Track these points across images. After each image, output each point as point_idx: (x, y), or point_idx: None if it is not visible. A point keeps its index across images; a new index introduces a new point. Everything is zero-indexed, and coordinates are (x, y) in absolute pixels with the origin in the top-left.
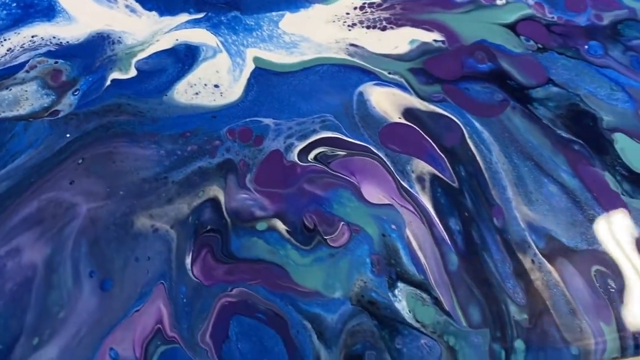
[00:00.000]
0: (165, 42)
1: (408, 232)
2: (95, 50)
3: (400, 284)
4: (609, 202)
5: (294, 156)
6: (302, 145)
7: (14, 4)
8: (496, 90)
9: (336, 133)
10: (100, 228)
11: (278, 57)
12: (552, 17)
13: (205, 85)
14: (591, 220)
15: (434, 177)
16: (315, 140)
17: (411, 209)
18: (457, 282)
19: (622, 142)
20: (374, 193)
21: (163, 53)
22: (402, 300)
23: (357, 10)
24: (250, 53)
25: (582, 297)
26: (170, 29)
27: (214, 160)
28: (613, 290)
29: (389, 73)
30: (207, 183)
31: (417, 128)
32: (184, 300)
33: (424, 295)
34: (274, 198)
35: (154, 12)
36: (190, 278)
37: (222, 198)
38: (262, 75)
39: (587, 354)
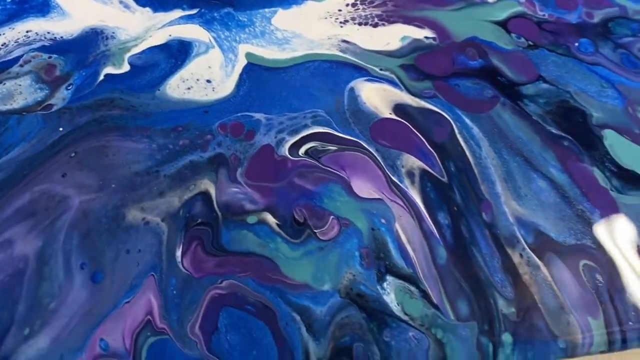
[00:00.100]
0: (158, 38)
1: (397, 226)
2: (89, 46)
3: (388, 277)
4: (598, 198)
5: (285, 151)
6: (293, 140)
7: (9, 0)
8: (486, 87)
9: (327, 128)
10: (92, 220)
11: (270, 53)
12: (543, 15)
13: (198, 80)
14: (580, 216)
15: (423, 172)
16: (307, 135)
17: (401, 203)
18: (445, 276)
19: (611, 139)
20: (364, 187)
21: (156, 48)
22: (390, 293)
23: (349, 7)
24: (243, 49)
25: (570, 291)
26: (163, 25)
27: (206, 155)
28: (601, 284)
29: (380, 69)
30: (199, 177)
31: (407, 123)
32: (174, 292)
33: (412, 289)
34: (264, 192)
35: (147, 8)
36: (181, 270)
37: (213, 192)
38: (254, 70)
39: (574, 347)
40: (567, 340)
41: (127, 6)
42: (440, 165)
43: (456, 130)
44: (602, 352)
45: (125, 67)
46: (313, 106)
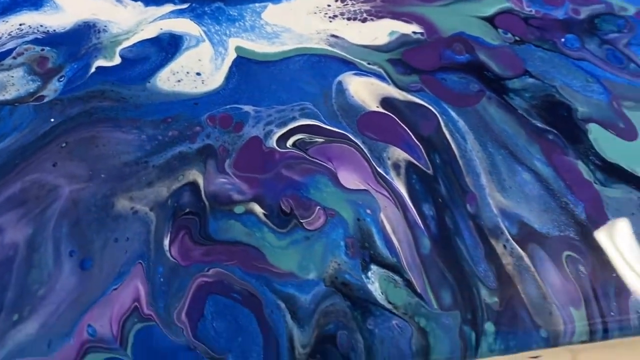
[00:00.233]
0: (149, 32)
1: (382, 217)
2: (81, 39)
3: (373, 267)
4: (582, 191)
5: (273, 142)
6: (281, 132)
7: None
8: (473, 81)
9: (315, 121)
10: (81, 209)
11: (260, 46)
12: (530, 11)
13: (188, 73)
14: (564, 208)
15: (409, 164)
16: (294, 128)
17: (386, 194)
18: (429, 266)
19: (595, 133)
20: (350, 179)
21: (147, 42)
22: (374, 282)
23: (339, 3)
24: (233, 43)
25: (553, 281)
26: (154, 19)
27: (194, 146)
28: (584, 275)
29: (368, 63)
30: (187, 167)
31: (394, 117)
32: (161, 279)
33: (397, 278)
34: (252, 183)
35: (139, 2)
36: (168, 258)
37: (201, 182)
38: (244, 64)
39: (556, 337)
40: (549, 330)
41: (119, 0)
42: (426, 158)
43: (442, 124)
44: (583, 342)
45: (117, 60)
46: (301, 99)
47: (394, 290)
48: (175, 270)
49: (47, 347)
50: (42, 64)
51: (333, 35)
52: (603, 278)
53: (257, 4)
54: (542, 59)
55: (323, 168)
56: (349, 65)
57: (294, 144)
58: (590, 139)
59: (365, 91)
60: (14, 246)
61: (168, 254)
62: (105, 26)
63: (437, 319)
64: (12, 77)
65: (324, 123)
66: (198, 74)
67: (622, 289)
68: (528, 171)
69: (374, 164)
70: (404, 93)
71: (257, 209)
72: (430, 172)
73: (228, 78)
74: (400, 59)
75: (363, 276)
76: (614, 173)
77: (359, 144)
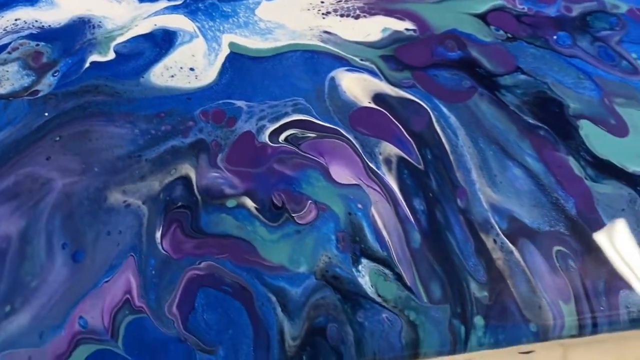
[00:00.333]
0: (143, 27)
1: (373, 211)
2: (75, 34)
3: (364, 260)
4: (573, 186)
5: (265, 137)
6: (273, 127)
7: None
8: (465, 77)
9: (307, 116)
10: (74, 202)
11: (253, 42)
12: (523, 8)
13: (181, 68)
14: (554, 203)
15: (400, 159)
16: (287, 123)
17: (377, 189)
18: (419, 260)
19: (587, 129)
20: (342, 174)
21: (141, 37)
22: (365, 276)
23: None
24: (226, 38)
25: (543, 276)
26: (149, 15)
27: (187, 140)
28: (573, 270)
29: (361, 59)
30: (180, 161)
31: (386, 112)
32: (153, 272)
33: (387, 271)
34: (244, 177)
35: None
36: (160, 251)
37: (193, 176)
38: (237, 59)
39: (545, 331)
40: (539, 324)
41: None
42: (417, 153)
43: (434, 120)
44: (572, 336)
45: (111, 55)
46: (294, 95)
47: (384, 284)
48: (166, 263)
49: (39, 339)
50: (37, 59)
51: (326, 32)
52: (593, 273)
53: (250, 0)
54: (534, 56)
55: (315, 163)
56: (341, 62)
57: (286, 139)
58: (581, 135)
59: (357, 87)
60: (7, 238)
61: (160, 247)
62: (100, 22)
63: (426, 312)
64: (7, 71)
65: (317, 118)
66: (191, 69)
67: (612, 284)
68: (519, 167)
69: (365, 159)
70: (396, 89)
71: (249, 202)
72: (421, 167)
73: (221, 73)
74: (392, 56)
75: (353, 270)
76: (605, 169)
77: (350, 139)
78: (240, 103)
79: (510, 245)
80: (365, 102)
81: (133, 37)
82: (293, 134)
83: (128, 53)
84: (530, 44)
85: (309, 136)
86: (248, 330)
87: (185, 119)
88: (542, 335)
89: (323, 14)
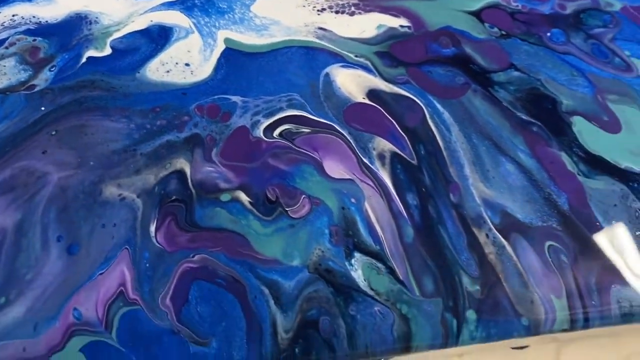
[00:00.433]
0: (140, 23)
1: (367, 206)
2: (72, 30)
3: (356, 254)
4: (565, 182)
5: (259, 132)
6: (268, 122)
7: None
8: (458, 74)
9: (302, 111)
10: (69, 196)
11: (248, 38)
12: (517, 6)
13: (177, 63)
14: (547, 199)
15: (394, 155)
16: (281, 118)
17: (371, 184)
18: (412, 254)
19: (580, 125)
20: (335, 168)
21: (137, 33)
22: (358, 269)
23: None
24: (222, 34)
25: (535, 270)
26: (145, 11)
27: (182, 135)
28: (565, 265)
29: (356, 56)
30: (175, 156)
31: (380, 108)
32: (147, 265)
33: (379, 265)
34: (238, 171)
35: None
36: (154, 244)
37: (188, 170)
38: (232, 55)
39: (537, 325)
40: (531, 318)
41: None
42: (411, 149)
43: (427, 115)
44: (564, 330)
45: (107, 51)
46: (289, 90)
47: (376, 278)
48: (160, 255)
49: (34, 330)
50: (34, 54)
51: (321, 28)
52: (585, 268)
53: None
54: (527, 53)
55: (309, 158)
56: (336, 58)
57: (280, 134)
58: (574, 132)
59: (352, 83)
60: (3, 231)
61: (154, 240)
62: (97, 18)
63: (419, 306)
64: (5, 66)
65: (311, 114)
66: (187, 64)
67: (603, 279)
68: (512, 162)
69: (359, 154)
70: (390, 85)
71: (243, 197)
72: (414, 162)
73: (217, 69)
74: (387, 52)
75: (346, 263)
76: (597, 165)
77: (345, 134)
78: (235, 98)
79: (502, 240)
80: (360, 98)
81: (129, 33)
82: (287, 129)
83: (124, 48)
84: (524, 41)
85: (303, 131)
86: (241, 323)
87: (181, 114)
88: (533, 329)
89: (318, 10)
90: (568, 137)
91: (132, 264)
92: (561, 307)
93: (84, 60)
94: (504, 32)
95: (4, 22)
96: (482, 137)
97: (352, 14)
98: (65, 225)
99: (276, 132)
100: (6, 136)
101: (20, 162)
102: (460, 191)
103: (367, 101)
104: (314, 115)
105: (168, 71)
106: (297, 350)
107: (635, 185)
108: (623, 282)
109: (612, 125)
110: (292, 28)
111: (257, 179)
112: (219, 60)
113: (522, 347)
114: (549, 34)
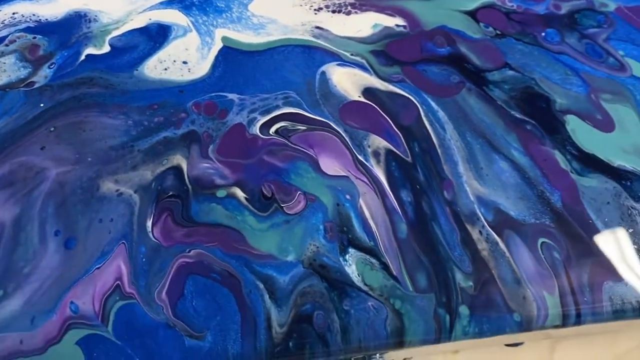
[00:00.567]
0: (138, 21)
1: (361, 202)
2: (72, 28)
3: (351, 250)
4: (558, 180)
5: (256, 129)
6: (264, 119)
7: None
8: (453, 73)
9: (298, 109)
10: (67, 191)
11: (245, 37)
12: (512, 6)
13: (175, 61)
14: (540, 196)
15: (389, 152)
16: (278, 115)
17: (366, 180)
18: (405, 250)
19: (573, 124)
20: (330, 165)
21: (136, 31)
22: (352, 265)
23: None
24: (219, 33)
25: (527, 267)
26: (144, 9)
27: (179, 131)
28: (558, 262)
29: (351, 54)
30: (171, 152)
31: (375, 106)
32: (143, 259)
33: (373, 261)
34: (234, 168)
35: None
36: (150, 239)
37: (184, 166)
38: (230, 53)
39: (529, 321)
40: (523, 314)
41: None
42: (405, 146)
43: (422, 114)
44: (556, 326)
45: (106, 48)
46: (285, 88)
47: (370, 273)
48: (157, 250)
49: (31, 323)
50: (34, 52)
51: (318, 27)
52: (577, 265)
53: None
54: (522, 52)
55: (304, 155)
56: (332, 56)
57: (276, 131)
58: (567, 130)
59: (347, 81)
60: (1, 225)
61: (150, 235)
62: (96, 16)
63: (412, 301)
64: (4, 63)
65: (307, 111)
66: (185, 62)
67: (596, 276)
68: (505, 160)
69: (354, 151)
70: (386, 83)
71: (239, 193)
72: (409, 159)
73: (214, 67)
74: (383, 51)
75: (341, 259)
76: (590, 163)
77: (340, 132)
78: (232, 96)
79: (495, 236)
80: (355, 96)
81: (128, 31)
82: (283, 126)
83: (123, 46)
84: (519, 41)
85: (299, 129)
86: (236, 317)
87: (178, 111)
88: (526, 325)
89: (315, 9)
90: (562, 136)
91: (129, 259)
92: (553, 304)
93: (83, 57)
94: (499, 32)
95: (4, 20)
96: (476, 135)
97: (348, 13)
98: (63, 220)
99: (272, 130)
100: (5, 132)
101: (19, 158)
102: (454, 188)
103: (362, 99)
104: (310, 113)
105: (166, 69)
106: (291, 344)
107: (628, 183)
108: (615, 279)
109: (605, 124)
110: (289, 27)
111: (252, 175)
112: (216, 58)
113: (516, 345)
114: (543, 34)
